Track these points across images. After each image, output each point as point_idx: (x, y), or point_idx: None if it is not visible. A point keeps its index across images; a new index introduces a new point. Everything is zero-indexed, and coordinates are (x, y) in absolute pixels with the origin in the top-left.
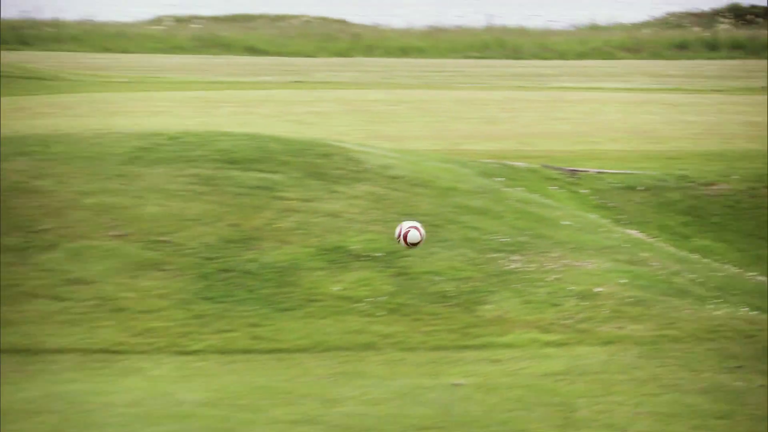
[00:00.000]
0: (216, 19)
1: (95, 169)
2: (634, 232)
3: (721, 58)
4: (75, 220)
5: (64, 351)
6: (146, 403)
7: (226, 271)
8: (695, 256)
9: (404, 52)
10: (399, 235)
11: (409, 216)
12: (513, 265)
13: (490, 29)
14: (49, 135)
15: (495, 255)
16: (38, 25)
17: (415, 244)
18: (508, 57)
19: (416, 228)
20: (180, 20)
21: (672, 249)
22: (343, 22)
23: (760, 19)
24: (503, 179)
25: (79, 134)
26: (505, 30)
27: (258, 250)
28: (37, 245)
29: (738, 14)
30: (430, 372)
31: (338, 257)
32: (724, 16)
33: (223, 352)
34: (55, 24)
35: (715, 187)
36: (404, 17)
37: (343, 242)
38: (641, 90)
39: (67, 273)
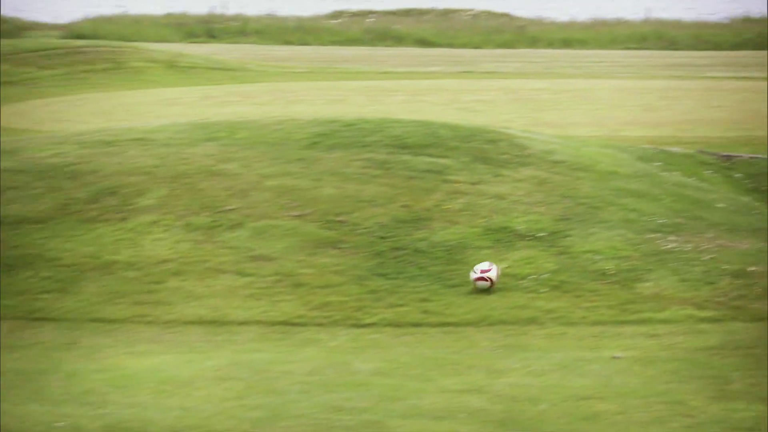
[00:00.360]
0: (389, 13)
1: (277, 154)
2: None
3: None
4: (258, 200)
5: (248, 323)
6: (324, 371)
7: (398, 249)
8: None
9: (566, 43)
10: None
11: (570, 198)
12: (670, 245)
13: (647, 22)
14: (235, 121)
15: (652, 235)
16: (224, 20)
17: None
18: (664, 48)
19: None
20: (356, 14)
21: None
22: (507, 15)
23: None
24: (660, 164)
25: (263, 121)
26: (662, 22)
27: (428, 229)
28: (223, 224)
29: None
30: (590, 345)
31: (503, 237)
32: None
33: (395, 325)
34: (240, 18)
35: None
36: (566, 10)
37: (508, 223)
38: None
39: (251, 250)
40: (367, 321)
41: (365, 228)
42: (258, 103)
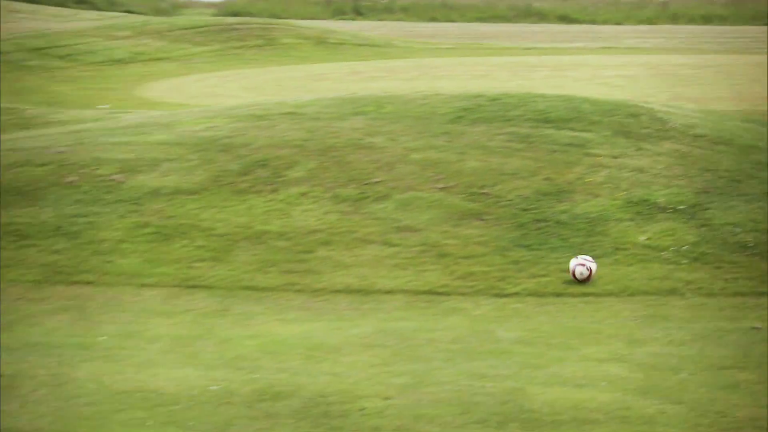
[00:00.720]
0: None
1: (422, 128)
2: None
3: None
4: (404, 173)
5: (394, 292)
6: (467, 339)
7: (540, 221)
8: None
9: (706, 20)
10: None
11: (711, 171)
12: None
13: None
14: (382, 96)
15: None
16: None
17: (583, 280)
18: None
19: (584, 265)
20: None
21: None
22: None
23: None
24: None
25: (408, 96)
26: None
27: (570, 202)
28: (370, 196)
29: None
30: (730, 316)
31: (644, 209)
32: None
33: (537, 295)
34: None
35: None
36: None
37: (649, 195)
38: None
39: (397, 221)
40: (510, 291)
41: (508, 200)
42: (404, 79)
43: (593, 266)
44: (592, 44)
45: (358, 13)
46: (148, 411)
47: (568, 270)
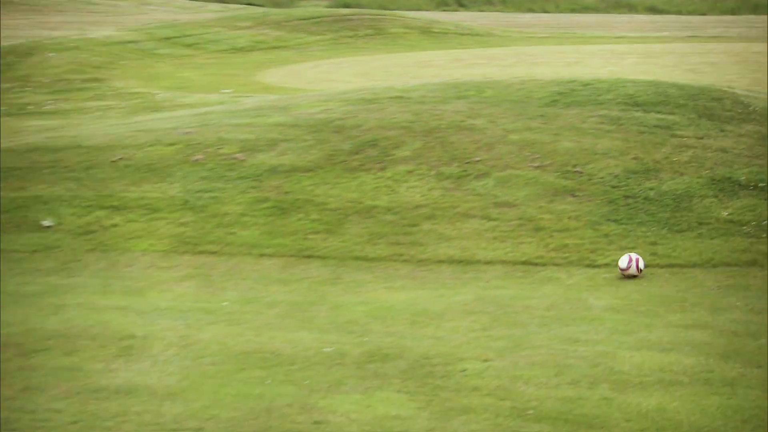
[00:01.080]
0: None
1: (520, 111)
2: None
3: None
4: (503, 153)
5: (493, 262)
6: (561, 307)
7: (629, 197)
8: None
9: None
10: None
11: None
12: None
13: None
14: (482, 81)
15: None
16: None
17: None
18: None
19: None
20: None
21: None
22: None
23: None
24: None
25: (507, 81)
26: None
27: (657, 179)
28: (471, 174)
29: None
30: None
31: (727, 186)
32: None
33: None
34: None
35: None
36: None
37: (731, 174)
38: None
39: (496, 197)
40: (601, 262)
41: (599, 178)
42: (503, 65)
43: (642, 264)
44: (678, 33)
45: (460, 4)
46: (267, 370)
47: (632, 260)
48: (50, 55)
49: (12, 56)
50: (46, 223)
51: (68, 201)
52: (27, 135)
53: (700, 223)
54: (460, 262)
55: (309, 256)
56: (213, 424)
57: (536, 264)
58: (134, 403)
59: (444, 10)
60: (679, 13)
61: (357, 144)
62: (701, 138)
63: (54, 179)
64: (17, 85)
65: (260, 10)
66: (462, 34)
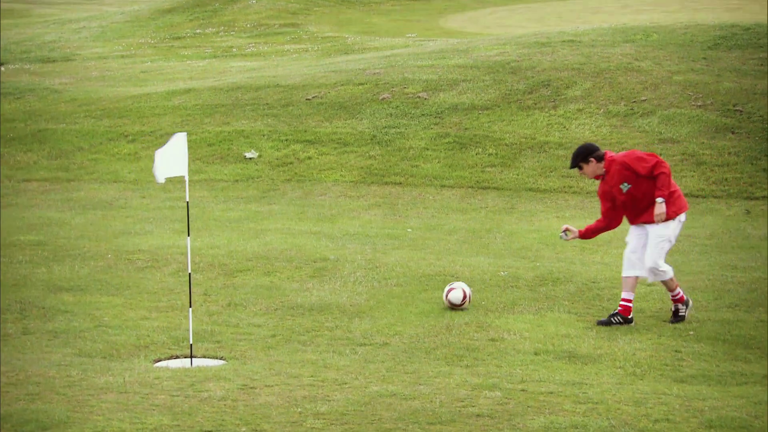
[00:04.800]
0: None
1: (684, 53)
2: None
3: None
4: (667, 93)
5: None
6: (720, 236)
7: None
8: None
9: None
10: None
11: None
12: None
13: None
14: (649, 26)
15: None
16: None
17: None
18: None
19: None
20: None
21: None
22: None
23: None
24: None
25: (672, 26)
26: None
27: None
28: (637, 112)
29: None
30: None
31: None
32: None
33: None
34: None
35: None
36: None
37: None
38: None
39: (660, 134)
40: (758, 194)
41: (759, 116)
42: (668, 11)
43: (468, 290)
44: None
45: None
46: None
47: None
48: (251, 2)
49: (218, 3)
50: (248, 155)
51: (267, 135)
52: (231, 75)
53: None
54: None
55: (486, 188)
56: (397, 340)
57: (697, 196)
58: (326, 319)
59: None
60: None
61: (531, 84)
62: None
63: (255, 115)
64: (222, 29)
65: None
66: None
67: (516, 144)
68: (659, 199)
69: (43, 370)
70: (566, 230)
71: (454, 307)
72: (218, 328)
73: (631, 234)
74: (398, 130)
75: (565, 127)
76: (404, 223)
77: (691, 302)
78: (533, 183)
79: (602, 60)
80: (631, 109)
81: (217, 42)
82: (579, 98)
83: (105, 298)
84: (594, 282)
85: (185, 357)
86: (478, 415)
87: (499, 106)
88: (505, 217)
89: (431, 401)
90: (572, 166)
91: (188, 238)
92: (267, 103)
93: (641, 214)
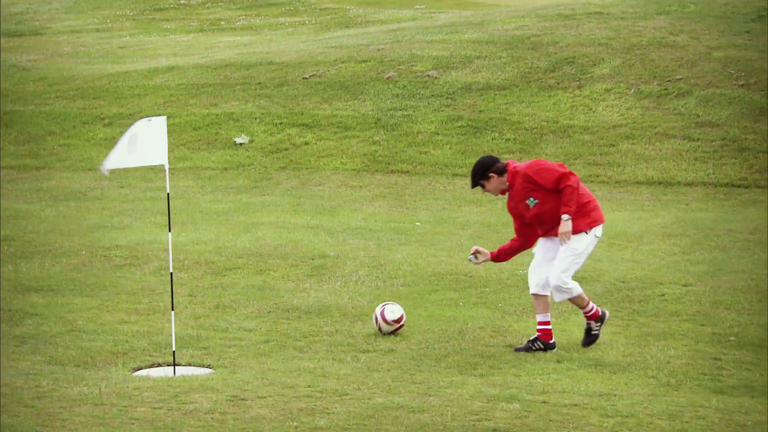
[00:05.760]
0: None
1: (724, 27)
2: None
3: None
4: (705, 70)
5: (694, 184)
6: (764, 230)
7: None
8: None
9: None
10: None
11: None
12: None
13: None
14: None
15: None
16: None
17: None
18: None
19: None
20: None
21: None
22: None
23: None
24: None
25: None
26: None
27: None
28: (672, 92)
29: None
30: None
31: None
32: None
33: None
34: None
35: None
36: None
37: None
38: None
39: (698, 116)
40: None
41: None
42: None
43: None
44: None
45: None
46: (460, 292)
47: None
48: None
49: None
50: (237, 140)
51: (260, 118)
52: (219, 51)
53: None
54: (659, 183)
55: None
56: (404, 346)
57: (739, 186)
58: (325, 323)
59: None
60: None
61: (553, 61)
62: None
63: (246, 96)
64: (209, 0)
65: None
66: None
67: (536, 128)
68: (564, 216)
69: (9, 380)
70: (476, 252)
71: (390, 325)
72: (205, 332)
73: (539, 246)
74: (405, 113)
75: (591, 109)
76: (412, 216)
77: (607, 315)
78: None
79: (633, 34)
80: (665, 89)
81: (203, 14)
82: (607, 77)
83: (78, 300)
84: (623, 282)
85: (168, 365)
86: (494, 430)
87: (517, 86)
88: None
89: (442, 414)
90: (473, 186)
91: (170, 233)
92: (259, 83)
93: (552, 230)
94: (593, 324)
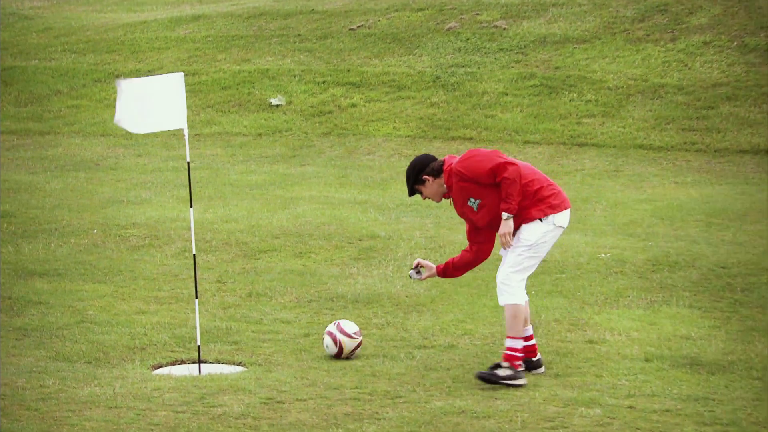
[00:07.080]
0: None
1: None
2: None
3: None
4: None
5: None
6: None
7: None
8: None
9: None
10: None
11: None
12: None
13: None
14: None
15: None
16: None
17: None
18: None
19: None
20: None
21: None
22: None
23: None
24: None
25: None
26: None
27: None
28: None
29: None
30: None
31: None
32: None
33: None
34: None
35: None
36: None
37: None
38: None
39: None
40: None
41: None
42: None
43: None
44: None
45: None
46: (532, 278)
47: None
48: None
49: None
50: (274, 101)
51: (299, 76)
52: None
53: None
54: (766, 152)
55: (583, 144)
56: (467, 341)
57: None
58: (375, 314)
59: None
60: None
61: (643, 9)
62: None
63: (283, 50)
64: None
65: None
66: None
67: (622, 87)
68: (504, 215)
69: (9, 379)
70: (418, 266)
71: (352, 338)
72: (235, 324)
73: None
74: (469, 70)
75: (686, 65)
76: None
77: (541, 370)
78: (644, 138)
79: None
80: None
81: None
82: (705, 28)
83: (89, 286)
84: (723, 267)
85: (192, 362)
86: None
87: (600, 39)
88: (608, 182)
89: (510, 421)
90: (410, 194)
91: (191, 209)
92: (299, 35)
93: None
94: (504, 367)
